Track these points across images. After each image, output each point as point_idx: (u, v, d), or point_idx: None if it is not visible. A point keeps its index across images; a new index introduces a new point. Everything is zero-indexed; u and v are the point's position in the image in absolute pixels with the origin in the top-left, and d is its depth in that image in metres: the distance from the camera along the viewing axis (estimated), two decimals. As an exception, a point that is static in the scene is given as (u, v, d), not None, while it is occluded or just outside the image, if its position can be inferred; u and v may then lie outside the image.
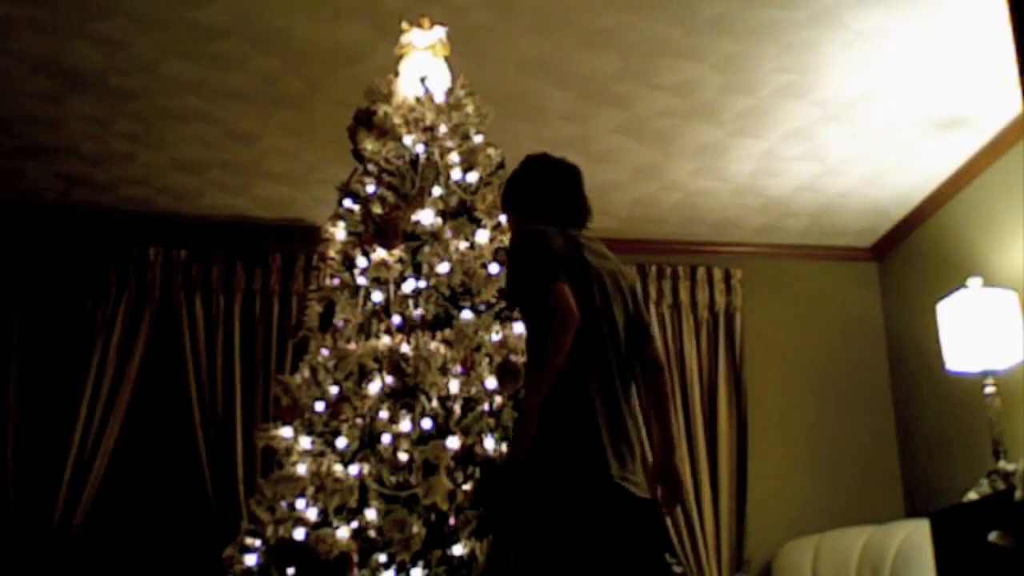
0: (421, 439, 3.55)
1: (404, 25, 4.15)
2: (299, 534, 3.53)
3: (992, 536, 3.60)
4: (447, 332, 3.74)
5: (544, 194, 2.99)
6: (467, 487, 3.47)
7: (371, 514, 3.52)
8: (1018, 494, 3.66)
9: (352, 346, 3.80)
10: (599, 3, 4.08)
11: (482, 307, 3.77)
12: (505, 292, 2.90)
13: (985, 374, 4.50)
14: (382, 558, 3.44)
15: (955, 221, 5.32)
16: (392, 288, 3.85)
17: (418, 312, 3.81)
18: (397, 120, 4.07)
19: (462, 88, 4.18)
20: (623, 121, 4.85)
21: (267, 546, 3.60)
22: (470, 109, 4.14)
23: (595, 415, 2.65)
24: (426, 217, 3.91)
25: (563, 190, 3.00)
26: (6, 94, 4.55)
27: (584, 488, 2.58)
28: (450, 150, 4.06)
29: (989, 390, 4.47)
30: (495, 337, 3.68)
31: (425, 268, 3.84)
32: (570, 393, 2.65)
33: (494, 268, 3.80)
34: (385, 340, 3.77)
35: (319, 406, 3.76)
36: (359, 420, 3.68)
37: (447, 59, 4.21)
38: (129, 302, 5.38)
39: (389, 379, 3.67)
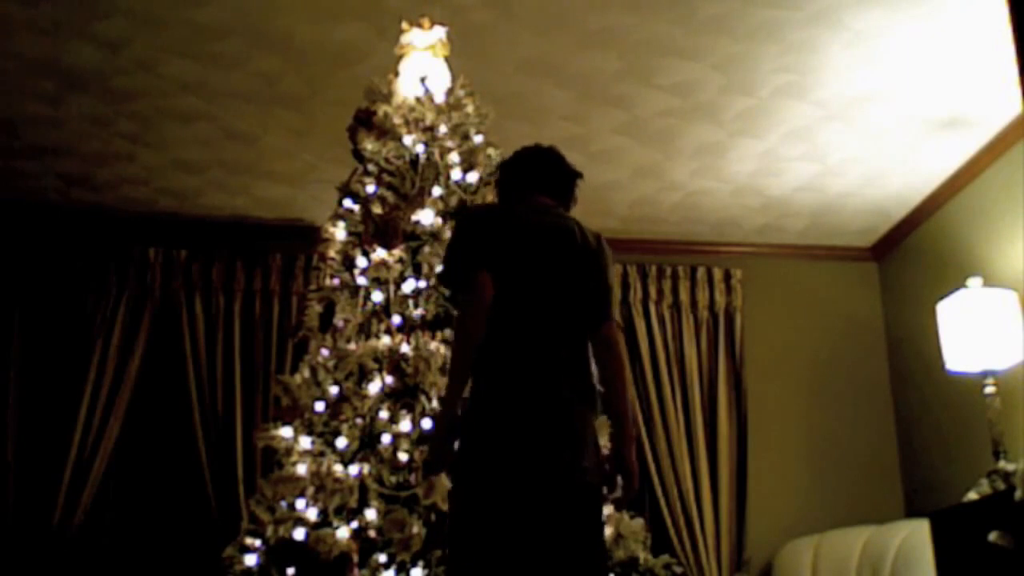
0: (421, 439, 3.55)
1: (404, 25, 4.15)
2: (299, 534, 3.53)
3: (992, 536, 3.60)
4: (447, 332, 3.74)
5: (507, 182, 3.05)
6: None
7: (371, 514, 3.52)
8: (1018, 494, 3.66)
9: (352, 346, 3.80)
10: (599, 3, 4.08)
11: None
12: (439, 277, 2.97)
13: (985, 374, 4.50)
14: (382, 558, 3.44)
15: (955, 221, 5.32)
16: (392, 288, 3.85)
17: (418, 312, 3.81)
18: (397, 120, 4.07)
19: (462, 88, 4.18)
20: (623, 121, 4.85)
21: (267, 546, 3.59)
22: (470, 109, 4.15)
23: (514, 404, 2.64)
24: (426, 217, 3.91)
25: (524, 174, 3.01)
26: (6, 94, 4.55)
27: (492, 482, 2.59)
28: (450, 150, 4.06)
29: (989, 390, 4.46)
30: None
31: (425, 268, 3.84)
32: (494, 382, 2.68)
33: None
34: (385, 340, 3.76)
35: (319, 406, 3.76)
36: (359, 420, 3.68)
37: (447, 59, 4.22)
38: (129, 302, 5.38)
39: (389, 379, 3.67)
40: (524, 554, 2.58)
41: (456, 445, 2.69)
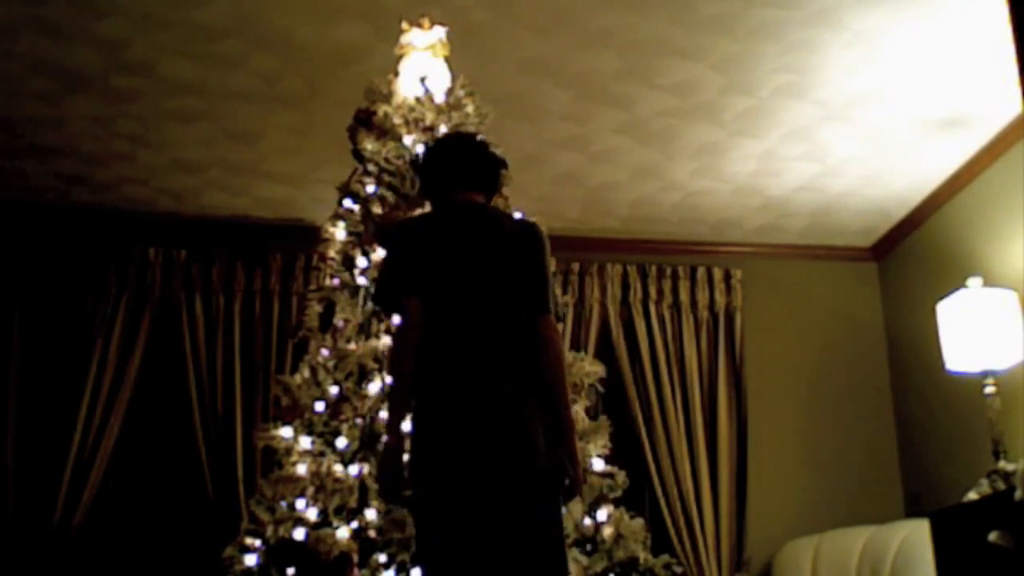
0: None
1: (404, 25, 4.15)
2: (299, 534, 3.53)
3: (992, 536, 3.60)
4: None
5: (432, 179, 2.97)
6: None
7: (371, 514, 3.52)
8: (1018, 494, 3.66)
9: (352, 346, 3.80)
10: (599, 3, 4.07)
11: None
12: (373, 299, 2.94)
13: (985, 374, 4.50)
14: (382, 558, 3.44)
15: (955, 221, 5.32)
16: (392, 288, 3.84)
17: (418, 312, 3.80)
18: (397, 120, 4.07)
19: (462, 88, 4.18)
20: (623, 121, 4.85)
21: (267, 546, 3.60)
22: (470, 109, 4.15)
23: (454, 407, 2.62)
24: (426, 217, 3.91)
25: (449, 170, 2.93)
26: (6, 94, 4.55)
27: (442, 477, 2.58)
28: (450, 150, 4.06)
29: (989, 390, 4.46)
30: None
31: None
32: (439, 388, 2.66)
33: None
34: (385, 340, 3.77)
35: (319, 406, 3.76)
36: (359, 420, 3.68)
37: (447, 59, 4.21)
38: (129, 302, 5.38)
39: (389, 379, 3.67)
40: (486, 553, 2.56)
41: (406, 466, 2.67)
